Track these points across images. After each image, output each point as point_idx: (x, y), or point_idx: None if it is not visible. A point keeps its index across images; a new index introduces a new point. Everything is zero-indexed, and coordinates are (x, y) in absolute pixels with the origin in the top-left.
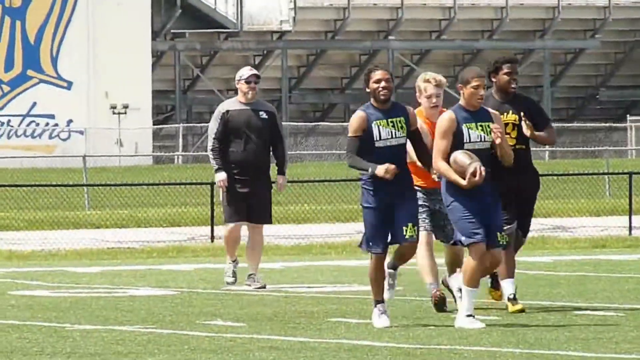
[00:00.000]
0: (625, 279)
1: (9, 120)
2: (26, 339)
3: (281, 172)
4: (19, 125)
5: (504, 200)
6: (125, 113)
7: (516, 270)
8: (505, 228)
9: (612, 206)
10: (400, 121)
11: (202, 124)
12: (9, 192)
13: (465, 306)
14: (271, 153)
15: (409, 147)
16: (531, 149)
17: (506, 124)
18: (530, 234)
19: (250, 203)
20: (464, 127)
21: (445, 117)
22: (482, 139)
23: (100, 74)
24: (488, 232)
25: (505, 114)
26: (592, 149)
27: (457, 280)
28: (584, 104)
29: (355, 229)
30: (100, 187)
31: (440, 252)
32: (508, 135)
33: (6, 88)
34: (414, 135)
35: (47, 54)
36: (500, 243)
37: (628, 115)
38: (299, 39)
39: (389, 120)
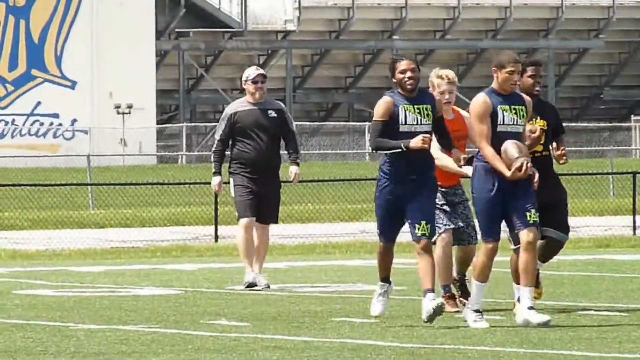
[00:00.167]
0: (629, 278)
1: (13, 120)
2: (30, 338)
3: (294, 163)
4: (23, 125)
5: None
6: (129, 112)
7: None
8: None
9: (616, 206)
10: (427, 108)
11: (206, 124)
12: (13, 192)
13: (473, 299)
14: (283, 150)
15: (432, 147)
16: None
17: None
18: None
19: (259, 202)
20: (499, 109)
21: (480, 100)
22: (515, 122)
23: (104, 73)
24: (518, 214)
25: (533, 120)
26: (596, 148)
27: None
28: (588, 104)
29: (359, 229)
30: (104, 187)
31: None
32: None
33: (10, 87)
34: (438, 122)
35: (51, 54)
36: (531, 222)
37: (632, 115)
38: (303, 39)
39: (416, 106)
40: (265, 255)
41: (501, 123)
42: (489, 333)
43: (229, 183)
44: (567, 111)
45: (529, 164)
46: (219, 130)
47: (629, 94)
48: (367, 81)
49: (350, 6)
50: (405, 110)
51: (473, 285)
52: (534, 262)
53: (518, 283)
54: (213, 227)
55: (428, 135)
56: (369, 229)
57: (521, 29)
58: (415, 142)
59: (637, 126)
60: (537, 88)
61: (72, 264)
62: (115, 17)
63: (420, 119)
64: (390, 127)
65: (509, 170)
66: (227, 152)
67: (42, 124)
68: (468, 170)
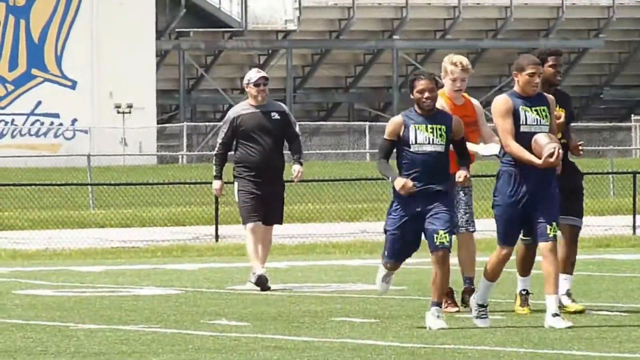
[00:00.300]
0: (629, 278)
1: (13, 120)
2: (30, 338)
3: (298, 162)
4: (23, 124)
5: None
6: (130, 112)
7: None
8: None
9: (616, 206)
10: (440, 129)
11: (207, 124)
12: (13, 192)
13: (479, 294)
14: (286, 150)
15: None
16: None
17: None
18: None
19: (263, 204)
20: (521, 109)
21: (501, 100)
22: (539, 122)
23: (104, 73)
24: (539, 226)
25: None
26: (596, 148)
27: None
28: (588, 104)
29: (360, 229)
30: (104, 187)
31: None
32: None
33: (10, 87)
34: (460, 142)
35: (52, 53)
36: (551, 236)
37: (632, 115)
38: (303, 39)
39: (429, 126)
40: (267, 255)
41: (524, 123)
42: (489, 333)
43: (232, 183)
44: None
45: (560, 150)
46: (221, 133)
47: (629, 94)
48: (367, 81)
49: (350, 6)
50: (416, 130)
51: (481, 282)
52: (555, 271)
53: (522, 274)
54: (213, 227)
55: (412, 185)
56: (369, 229)
57: (521, 28)
58: (397, 184)
59: (637, 126)
60: (558, 77)
61: (73, 264)
62: (115, 16)
63: (432, 139)
64: (398, 146)
65: (540, 159)
66: (230, 154)
67: (42, 123)
68: (488, 149)
